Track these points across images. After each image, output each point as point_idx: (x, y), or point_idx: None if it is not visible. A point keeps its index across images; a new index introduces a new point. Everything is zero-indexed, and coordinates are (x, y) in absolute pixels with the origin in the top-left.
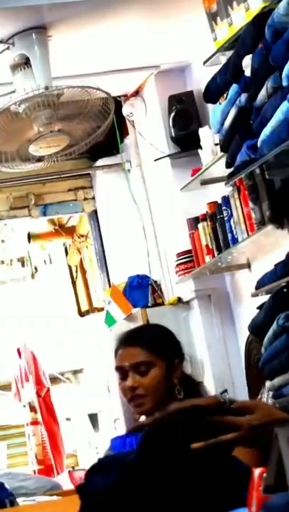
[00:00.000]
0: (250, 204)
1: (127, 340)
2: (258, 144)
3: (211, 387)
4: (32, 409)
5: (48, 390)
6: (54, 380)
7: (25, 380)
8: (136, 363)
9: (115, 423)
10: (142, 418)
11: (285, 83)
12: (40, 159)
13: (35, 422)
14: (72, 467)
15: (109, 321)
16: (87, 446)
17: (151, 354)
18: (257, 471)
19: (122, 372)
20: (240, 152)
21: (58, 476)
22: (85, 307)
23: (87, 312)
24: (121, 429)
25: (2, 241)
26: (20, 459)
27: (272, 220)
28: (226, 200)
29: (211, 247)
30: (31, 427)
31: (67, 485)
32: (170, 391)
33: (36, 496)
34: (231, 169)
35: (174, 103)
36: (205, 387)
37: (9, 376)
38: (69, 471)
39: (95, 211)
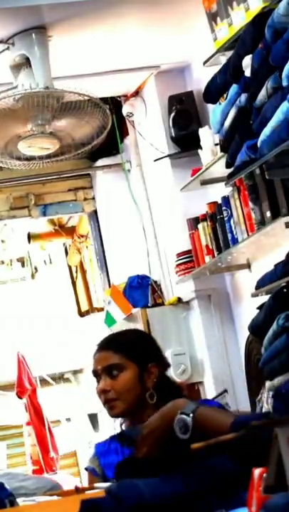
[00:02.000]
0: (250, 204)
1: (102, 345)
2: (258, 144)
3: (211, 387)
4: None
5: (34, 392)
6: (53, 380)
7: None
8: (107, 366)
9: (115, 422)
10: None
11: (285, 83)
12: (28, 159)
13: (29, 423)
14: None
15: (109, 321)
16: (87, 446)
17: (122, 357)
18: (257, 471)
19: (96, 375)
20: (240, 152)
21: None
22: (85, 307)
23: (87, 312)
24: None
25: (2, 241)
26: (20, 459)
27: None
28: (226, 200)
29: (211, 247)
30: (27, 428)
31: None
32: (143, 395)
33: (36, 496)
34: (231, 169)
35: (174, 103)
36: (205, 388)
37: (9, 376)
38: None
39: (95, 211)
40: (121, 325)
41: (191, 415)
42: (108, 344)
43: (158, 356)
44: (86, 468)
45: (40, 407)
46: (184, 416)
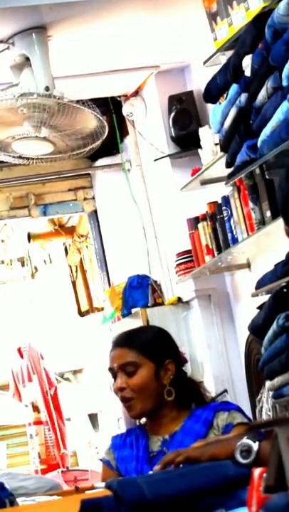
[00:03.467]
0: (250, 204)
1: (118, 342)
2: (258, 144)
3: (211, 387)
4: (35, 408)
5: (56, 389)
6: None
7: (27, 379)
8: (123, 364)
9: (118, 422)
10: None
11: (285, 83)
12: (21, 156)
13: (38, 422)
14: (67, 467)
15: (104, 318)
16: (87, 446)
17: (138, 355)
18: (257, 471)
19: (113, 373)
20: (240, 152)
21: (48, 475)
22: (85, 307)
23: (87, 312)
24: (124, 429)
25: (2, 241)
26: (20, 458)
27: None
28: (226, 200)
29: (211, 247)
30: (34, 427)
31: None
32: (161, 392)
33: (36, 495)
34: (231, 169)
35: (174, 103)
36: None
37: (9, 376)
38: (62, 471)
39: (95, 211)
40: (121, 325)
41: (257, 442)
42: (124, 341)
43: (174, 352)
44: (101, 460)
45: (60, 404)
46: (250, 441)
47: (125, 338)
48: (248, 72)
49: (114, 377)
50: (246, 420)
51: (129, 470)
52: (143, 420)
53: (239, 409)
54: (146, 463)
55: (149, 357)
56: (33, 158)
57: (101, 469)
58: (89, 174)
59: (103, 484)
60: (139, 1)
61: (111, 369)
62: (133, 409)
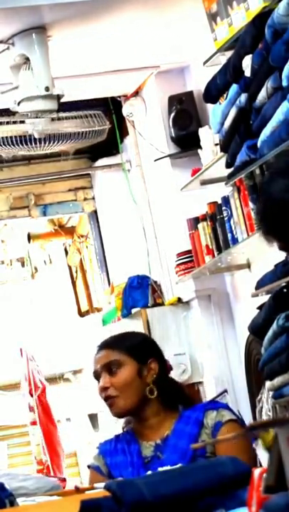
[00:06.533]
0: (250, 204)
1: (101, 346)
2: (258, 144)
3: (211, 388)
4: (31, 409)
5: (44, 390)
6: (53, 380)
7: (24, 380)
8: (106, 364)
9: (116, 423)
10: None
11: (284, 83)
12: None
13: (34, 422)
14: (81, 483)
15: (105, 319)
16: (87, 446)
17: (121, 354)
18: (257, 471)
19: (96, 375)
20: (240, 152)
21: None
22: (85, 307)
23: (87, 312)
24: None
25: (2, 241)
26: (21, 458)
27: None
28: (226, 200)
29: (211, 247)
30: (31, 427)
31: None
32: (143, 390)
33: (36, 496)
34: (231, 169)
35: (174, 103)
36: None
37: (10, 376)
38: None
39: (95, 211)
40: (121, 325)
41: None
42: (107, 344)
43: (159, 354)
44: (89, 466)
45: (49, 406)
46: None
47: (108, 341)
48: (248, 72)
49: (99, 379)
50: (235, 417)
51: (124, 476)
52: (126, 428)
53: (227, 407)
54: (142, 468)
55: (132, 355)
56: (31, 159)
57: (89, 475)
58: (89, 174)
59: (103, 485)
60: (139, 1)
61: (95, 371)
62: (115, 407)
